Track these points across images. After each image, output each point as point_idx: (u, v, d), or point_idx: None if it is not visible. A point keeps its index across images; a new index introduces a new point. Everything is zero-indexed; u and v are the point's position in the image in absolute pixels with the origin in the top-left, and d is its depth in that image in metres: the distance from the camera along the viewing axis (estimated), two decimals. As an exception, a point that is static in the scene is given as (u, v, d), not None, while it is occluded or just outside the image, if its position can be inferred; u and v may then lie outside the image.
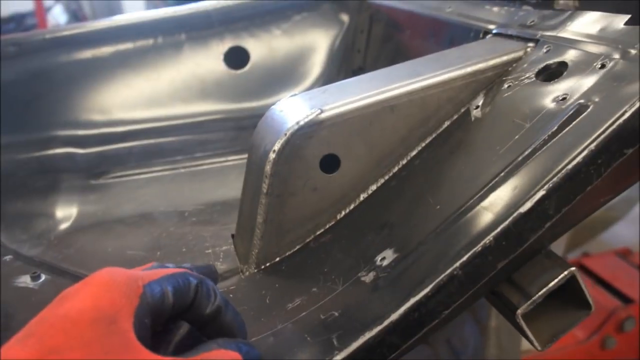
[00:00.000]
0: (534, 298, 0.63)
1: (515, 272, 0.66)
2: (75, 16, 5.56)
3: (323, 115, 0.68)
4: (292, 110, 0.71)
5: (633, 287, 2.02)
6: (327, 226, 0.73)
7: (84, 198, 1.02)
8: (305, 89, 1.24)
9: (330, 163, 0.70)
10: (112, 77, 1.20)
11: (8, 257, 0.84)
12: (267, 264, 0.73)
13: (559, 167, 0.57)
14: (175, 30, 1.22)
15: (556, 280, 0.63)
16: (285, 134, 0.67)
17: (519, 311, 0.63)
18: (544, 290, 0.63)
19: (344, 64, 1.27)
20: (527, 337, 0.65)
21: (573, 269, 0.64)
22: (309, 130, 0.68)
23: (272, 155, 0.68)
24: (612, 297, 1.99)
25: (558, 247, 2.57)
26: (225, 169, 1.07)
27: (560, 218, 0.59)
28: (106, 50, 1.20)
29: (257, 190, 0.70)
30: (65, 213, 0.98)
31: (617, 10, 0.71)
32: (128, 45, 1.21)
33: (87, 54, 1.19)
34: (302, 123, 0.67)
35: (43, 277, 0.78)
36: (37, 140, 1.14)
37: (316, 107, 0.69)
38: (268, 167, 0.68)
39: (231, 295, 0.70)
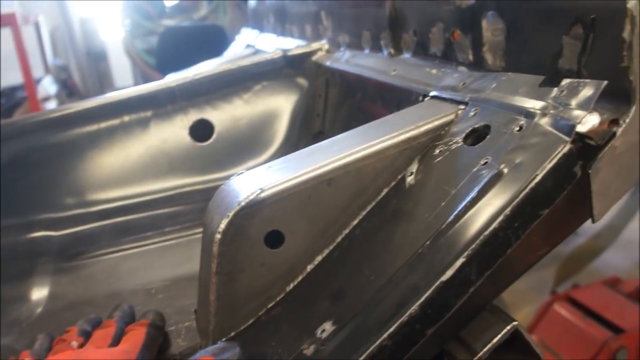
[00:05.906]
0: (479, 355, 0.65)
1: (463, 330, 0.68)
2: (65, 85, 5.66)
3: (263, 195, 0.71)
4: (235, 190, 0.75)
5: (623, 316, 2.02)
6: (278, 299, 0.75)
7: (57, 281, 1.05)
8: (270, 156, 1.28)
9: (274, 238, 0.73)
10: (84, 158, 1.24)
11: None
12: (223, 339, 0.75)
13: (477, 233, 0.59)
14: (140, 108, 1.27)
15: (500, 336, 0.65)
16: (228, 216, 0.71)
17: (466, 369, 0.65)
18: (489, 346, 0.65)
19: (305, 129, 1.31)
20: (477, 394, 0.67)
21: (516, 323, 0.66)
22: (251, 210, 0.71)
23: (217, 236, 0.71)
24: (603, 329, 1.99)
25: (547, 280, 2.58)
26: (193, 242, 1.10)
27: (490, 279, 0.61)
28: (76, 132, 1.24)
29: (208, 269, 0.73)
30: (38, 297, 1.01)
31: (535, 70, 0.74)
32: (96, 126, 1.25)
33: (59, 137, 1.23)
34: (243, 204, 0.71)
35: (11, 366, 0.81)
36: (14, 226, 1.17)
37: (257, 186, 0.72)
38: (215, 248, 0.71)
39: (188, 374, 0.72)
